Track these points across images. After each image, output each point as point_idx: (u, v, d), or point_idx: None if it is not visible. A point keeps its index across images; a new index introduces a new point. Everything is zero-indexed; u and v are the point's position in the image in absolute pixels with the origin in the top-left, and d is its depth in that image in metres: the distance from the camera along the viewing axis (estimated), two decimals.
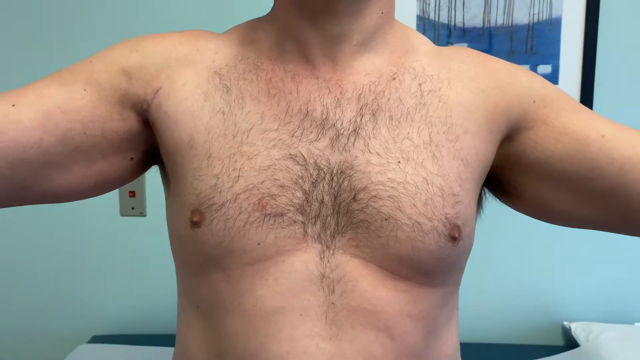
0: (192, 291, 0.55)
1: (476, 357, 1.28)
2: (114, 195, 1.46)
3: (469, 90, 0.55)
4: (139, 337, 1.43)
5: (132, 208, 1.47)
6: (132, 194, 1.46)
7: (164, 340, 1.36)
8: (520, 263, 1.44)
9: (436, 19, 1.36)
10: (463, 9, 1.36)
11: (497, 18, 1.35)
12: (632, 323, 1.42)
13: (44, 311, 1.49)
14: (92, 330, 1.48)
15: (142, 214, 1.46)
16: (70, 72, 0.54)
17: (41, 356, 1.50)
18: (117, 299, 1.48)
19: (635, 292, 1.44)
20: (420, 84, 0.54)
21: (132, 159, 0.57)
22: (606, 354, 1.26)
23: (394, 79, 0.54)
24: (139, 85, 0.54)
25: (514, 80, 0.56)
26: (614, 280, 1.44)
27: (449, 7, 1.35)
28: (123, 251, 1.46)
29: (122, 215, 1.47)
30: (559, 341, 1.47)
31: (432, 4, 1.36)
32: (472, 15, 1.36)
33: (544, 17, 1.34)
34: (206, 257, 0.52)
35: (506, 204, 0.62)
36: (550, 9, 1.34)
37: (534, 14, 1.34)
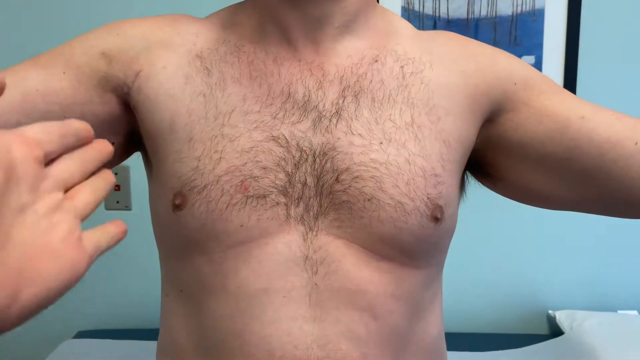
0: (175, 276, 0.55)
1: (461, 346, 1.29)
2: None
3: (451, 73, 0.55)
4: (125, 331, 1.41)
5: (117, 202, 1.45)
6: (117, 187, 1.45)
7: (150, 334, 1.35)
8: (505, 252, 1.45)
9: (421, 10, 1.36)
10: (447, 0, 1.36)
11: (481, 9, 1.36)
12: (615, 310, 1.44)
13: None
14: (77, 325, 1.47)
15: (128, 207, 1.45)
16: (48, 56, 0.54)
17: (26, 352, 1.48)
18: (102, 294, 1.46)
19: (618, 280, 1.46)
20: (402, 66, 0.55)
21: (113, 143, 0.56)
22: (590, 341, 1.27)
23: (376, 61, 0.54)
24: (119, 68, 0.54)
25: (494, 63, 0.57)
26: (597, 269, 1.45)
27: (433, 1, 1.36)
28: None
29: (107, 209, 1.45)
30: (544, 330, 1.49)
31: None
32: (456, 6, 1.36)
33: (527, 8, 1.35)
34: (189, 241, 0.52)
35: (488, 187, 0.63)
36: (534, 0, 1.35)
37: (517, 5, 1.35)
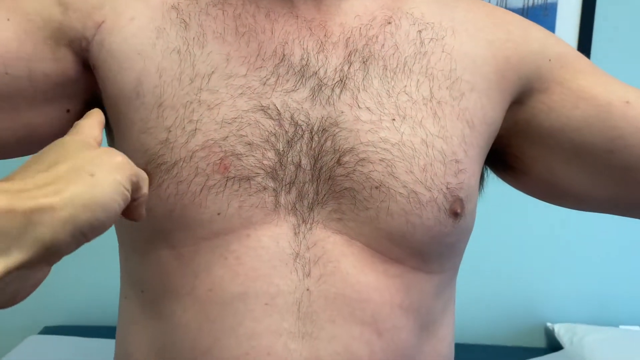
0: (135, 273, 0.46)
1: (456, 358, 1.21)
2: None
3: (477, 42, 0.47)
4: (92, 328, 1.35)
5: None
6: None
7: None
8: (501, 261, 1.39)
9: None
10: None
11: (491, 1, 1.29)
12: (616, 325, 1.37)
13: None
14: (43, 321, 1.39)
15: None
16: None
17: None
18: (69, 289, 1.39)
19: (620, 294, 1.40)
20: (419, 31, 0.46)
21: (68, 111, 0.47)
22: (590, 356, 1.22)
23: (389, 23, 0.45)
24: (76, 17, 0.44)
25: (528, 34, 0.49)
26: (599, 282, 1.40)
27: None
28: None
29: None
30: (542, 343, 1.42)
31: None
32: None
33: (539, 2, 1.28)
34: (154, 230, 0.42)
35: (509, 182, 0.54)
36: None
37: None
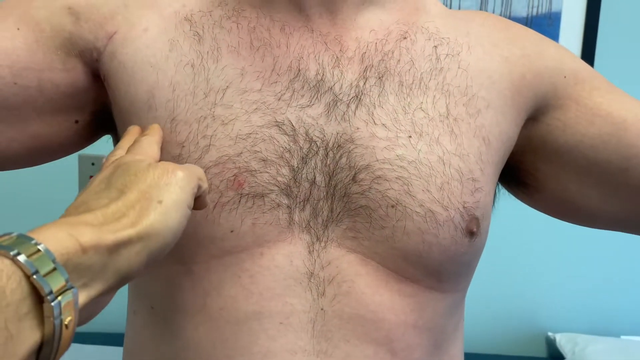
0: (145, 288, 0.45)
1: None
2: (73, 180, 1.33)
3: (492, 58, 0.46)
4: (100, 335, 1.33)
5: None
6: None
7: (116, 339, 1.26)
8: (504, 272, 1.38)
9: None
10: (459, 1, 1.28)
11: (495, 10, 1.28)
12: (618, 336, 1.37)
13: None
14: None
15: None
16: (0, 6, 0.43)
17: None
18: None
19: (621, 304, 1.39)
20: (435, 47, 0.45)
21: (77, 121, 0.46)
22: None
23: (405, 38, 0.45)
24: (88, 27, 0.43)
25: (543, 50, 0.48)
26: (600, 292, 1.39)
27: (444, 0, 1.28)
28: None
29: None
30: (542, 352, 1.42)
31: None
32: (468, 6, 1.29)
33: (543, 11, 1.28)
34: None
35: (521, 198, 0.53)
36: (550, 2, 1.27)
37: (533, 7, 1.28)
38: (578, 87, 0.48)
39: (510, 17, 1.28)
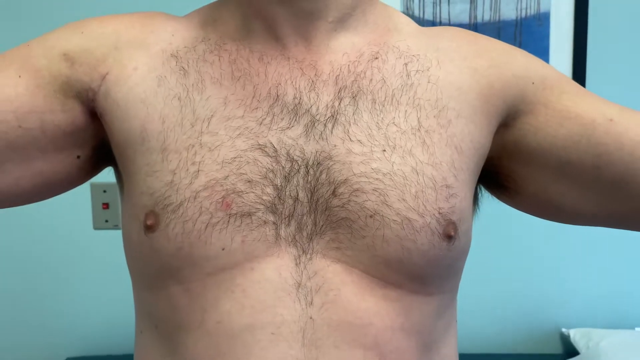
0: (149, 309, 0.48)
1: None
2: (86, 208, 1.38)
3: (461, 70, 0.49)
4: (115, 357, 1.35)
5: (106, 221, 1.39)
6: (106, 205, 1.39)
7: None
8: (516, 268, 1.38)
9: (421, 15, 1.31)
10: (448, 5, 1.31)
11: (484, 14, 1.31)
12: (632, 328, 1.37)
13: (15, 332, 1.41)
14: (65, 351, 1.41)
15: (117, 226, 1.39)
16: (2, 57, 0.47)
17: None
18: (91, 318, 1.40)
19: (634, 297, 1.39)
20: (405, 64, 0.48)
21: (78, 157, 0.50)
22: None
23: (376, 58, 0.48)
24: (83, 70, 0.47)
25: (510, 60, 0.51)
26: (612, 285, 1.39)
27: (434, 3, 1.30)
28: (97, 267, 1.38)
29: (95, 228, 1.39)
30: (558, 349, 1.42)
31: (417, 0, 1.30)
32: (458, 12, 1.31)
33: (532, 12, 1.30)
34: (163, 267, 0.45)
35: (505, 201, 0.56)
36: (538, 3, 1.29)
37: (521, 9, 1.30)
38: (547, 92, 0.50)
39: (499, 21, 1.31)
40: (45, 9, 1.32)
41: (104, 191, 1.38)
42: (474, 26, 1.31)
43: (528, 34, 1.30)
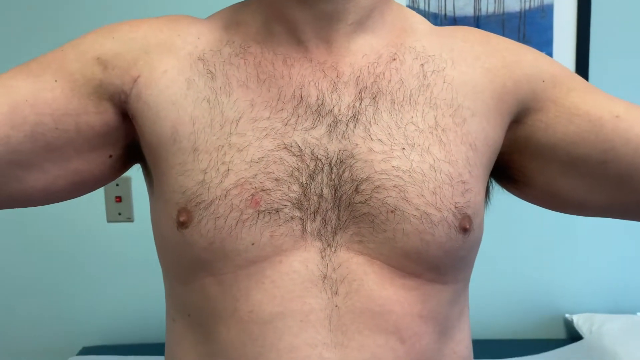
0: (182, 299, 0.51)
1: (476, 354, 1.24)
2: (99, 201, 1.41)
3: (474, 70, 0.51)
4: (130, 346, 1.38)
5: (119, 214, 1.42)
6: (119, 199, 1.41)
7: (156, 349, 1.32)
8: (520, 255, 1.41)
9: (426, 9, 1.33)
10: (454, 0, 1.32)
11: (488, 6, 1.32)
12: (634, 313, 1.40)
13: (32, 323, 1.44)
14: (82, 341, 1.44)
15: (130, 219, 1.41)
16: (39, 62, 0.50)
17: None
18: (107, 308, 1.43)
19: (637, 282, 1.42)
20: (422, 65, 0.50)
21: (110, 156, 0.52)
22: (610, 345, 1.24)
23: (394, 59, 0.50)
24: (115, 74, 0.50)
25: (521, 59, 0.53)
26: (615, 271, 1.42)
27: None
28: (111, 258, 1.41)
29: (109, 221, 1.42)
30: (561, 334, 1.45)
31: None
32: (462, 4, 1.33)
33: (536, 4, 1.31)
34: (196, 261, 0.47)
35: (514, 193, 0.58)
36: None
37: (525, 1, 1.32)
38: (556, 90, 0.52)
39: (503, 13, 1.32)
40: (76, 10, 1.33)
41: (117, 185, 1.40)
42: (478, 18, 1.33)
43: (532, 26, 1.32)
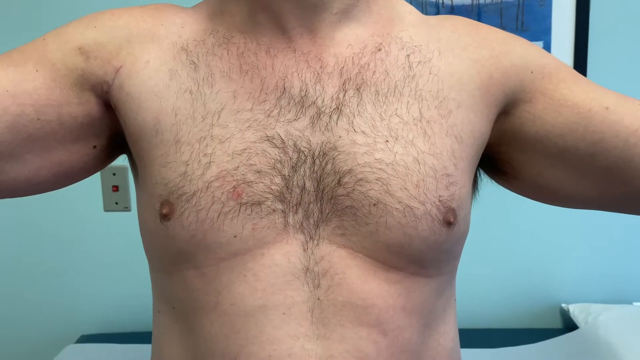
0: (166, 291, 0.51)
1: (472, 343, 1.25)
2: (97, 191, 1.41)
3: (461, 61, 0.51)
4: (128, 335, 1.39)
5: (116, 203, 1.42)
6: (116, 188, 1.41)
7: (144, 337, 1.33)
8: (516, 245, 1.41)
9: None
10: None
11: None
12: (630, 303, 1.40)
13: (29, 312, 1.45)
14: (80, 329, 1.44)
15: (127, 208, 1.42)
16: (20, 52, 0.49)
17: (28, 357, 1.46)
18: (104, 297, 1.44)
19: (632, 272, 1.42)
20: (408, 55, 0.50)
21: (95, 147, 0.52)
22: (605, 334, 1.24)
23: (379, 50, 0.49)
24: (97, 64, 0.49)
25: (509, 50, 0.52)
26: (611, 260, 1.41)
27: None
28: (108, 247, 1.42)
29: (106, 210, 1.42)
30: (558, 324, 1.45)
31: None
32: None
33: None
34: (178, 253, 0.47)
35: (503, 185, 0.58)
36: None
37: None
38: (545, 81, 0.52)
39: (501, 1, 1.31)
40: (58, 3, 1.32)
41: (114, 174, 1.40)
42: (477, 7, 1.31)
43: (530, 14, 1.30)
